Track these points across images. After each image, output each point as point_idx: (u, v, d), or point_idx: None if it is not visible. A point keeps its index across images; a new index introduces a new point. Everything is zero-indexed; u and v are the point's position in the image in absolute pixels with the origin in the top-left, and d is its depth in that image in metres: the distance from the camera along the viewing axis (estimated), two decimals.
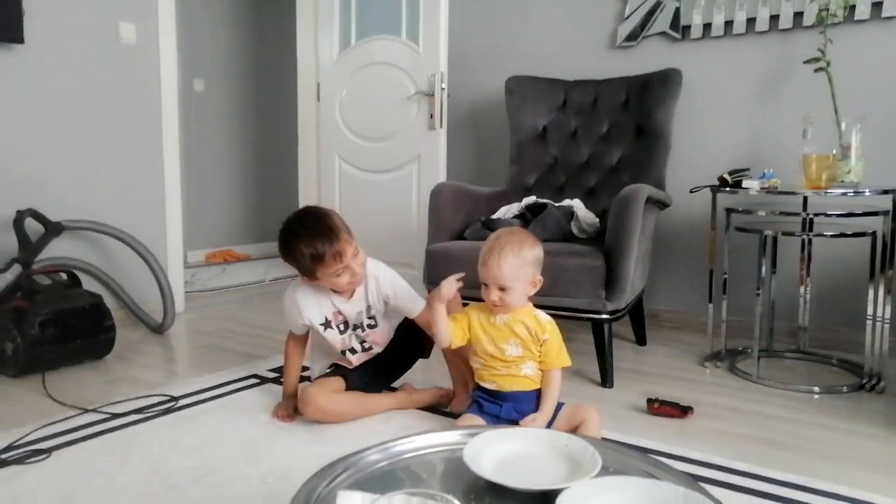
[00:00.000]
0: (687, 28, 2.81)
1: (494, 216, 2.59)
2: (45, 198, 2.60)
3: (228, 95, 4.98)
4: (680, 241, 2.89)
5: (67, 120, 2.71)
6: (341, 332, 1.84)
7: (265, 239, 5.29)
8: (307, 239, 1.68)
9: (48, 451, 1.59)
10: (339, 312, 1.83)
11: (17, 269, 2.21)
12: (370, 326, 1.87)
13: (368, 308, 1.85)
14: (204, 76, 4.77)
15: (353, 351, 1.87)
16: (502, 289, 1.57)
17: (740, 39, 2.73)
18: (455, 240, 2.49)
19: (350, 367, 1.88)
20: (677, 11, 2.81)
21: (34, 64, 2.59)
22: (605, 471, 1.00)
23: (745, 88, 2.74)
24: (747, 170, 2.37)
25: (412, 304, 1.86)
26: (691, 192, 2.44)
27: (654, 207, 2.42)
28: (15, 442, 1.63)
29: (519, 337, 1.61)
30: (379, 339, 1.90)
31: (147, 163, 3.01)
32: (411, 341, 1.94)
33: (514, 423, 1.61)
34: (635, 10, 2.91)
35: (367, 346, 1.89)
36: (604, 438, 1.33)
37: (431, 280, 2.37)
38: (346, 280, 1.73)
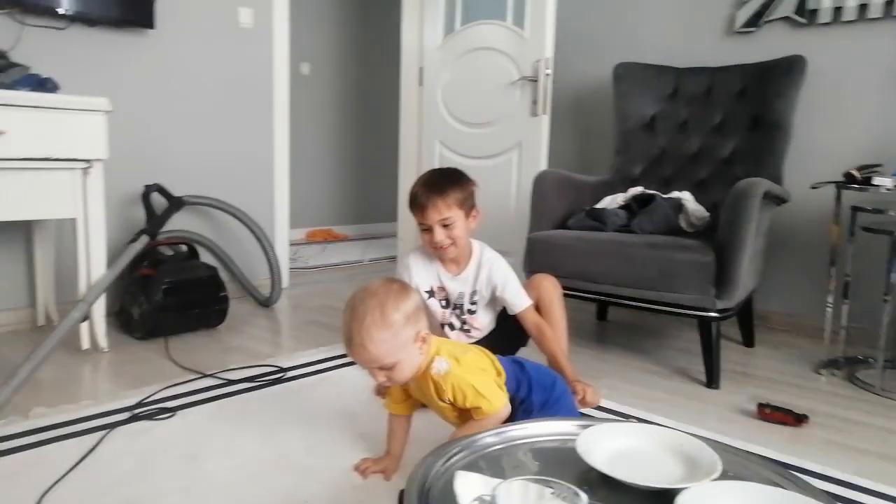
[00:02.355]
0: (814, 12, 2.64)
1: (598, 206, 2.54)
2: (169, 174, 2.77)
3: (333, 79, 5.12)
4: (796, 239, 2.74)
5: (190, 101, 2.87)
6: (443, 307, 1.87)
7: (363, 220, 5.44)
8: (421, 180, 1.77)
9: (173, 410, 1.70)
10: (443, 288, 1.86)
11: (144, 239, 2.37)
12: (470, 312, 1.89)
13: (473, 293, 1.87)
14: (310, 60, 4.92)
15: (451, 327, 1.90)
16: (383, 368, 1.26)
17: (875, 24, 2.53)
18: (557, 228, 2.46)
19: None
20: None
21: (162, 48, 2.75)
22: (725, 475, 0.97)
23: (878, 78, 2.55)
24: (879, 165, 2.21)
25: (518, 299, 1.84)
26: (813, 187, 2.30)
27: (771, 203, 2.30)
28: (144, 399, 1.76)
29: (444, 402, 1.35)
30: (478, 325, 1.91)
31: (259, 143, 3.15)
32: (511, 332, 1.93)
33: None
34: None
35: (466, 327, 1.91)
36: (715, 441, 1.27)
37: (531, 268, 2.36)
38: (426, 239, 1.78)
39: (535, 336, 1.85)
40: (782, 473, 0.99)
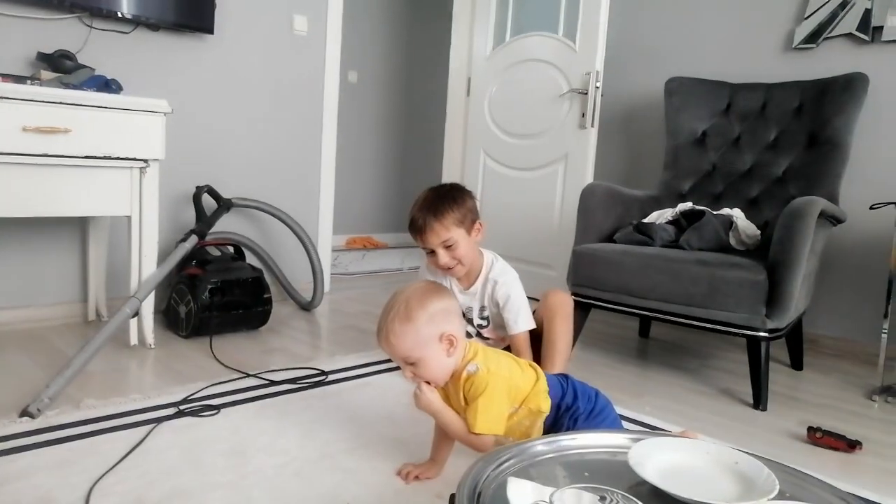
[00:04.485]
0: (878, 29, 2.57)
1: (646, 220, 2.51)
2: (219, 175, 2.83)
3: (380, 88, 5.18)
4: (851, 261, 2.66)
5: (243, 105, 2.93)
6: None
7: (403, 229, 5.44)
8: (419, 203, 1.73)
9: (218, 407, 1.73)
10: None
11: (193, 239, 2.42)
12: (480, 326, 1.89)
13: (482, 308, 1.86)
14: (358, 68, 4.98)
15: (468, 335, 1.88)
16: (408, 363, 1.29)
17: None
18: (603, 242, 2.43)
19: None
20: (867, 12, 2.58)
21: (220, 53, 2.82)
22: (782, 495, 0.94)
23: None
24: None
25: (515, 322, 1.77)
26: (872, 208, 2.24)
27: (827, 223, 2.24)
28: (190, 396, 1.79)
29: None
30: (495, 338, 1.90)
31: (307, 148, 3.20)
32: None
33: None
34: (817, 9, 2.70)
35: (484, 335, 1.91)
36: (771, 460, 1.23)
37: (576, 281, 2.34)
38: (432, 261, 1.76)
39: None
40: (843, 497, 0.96)
